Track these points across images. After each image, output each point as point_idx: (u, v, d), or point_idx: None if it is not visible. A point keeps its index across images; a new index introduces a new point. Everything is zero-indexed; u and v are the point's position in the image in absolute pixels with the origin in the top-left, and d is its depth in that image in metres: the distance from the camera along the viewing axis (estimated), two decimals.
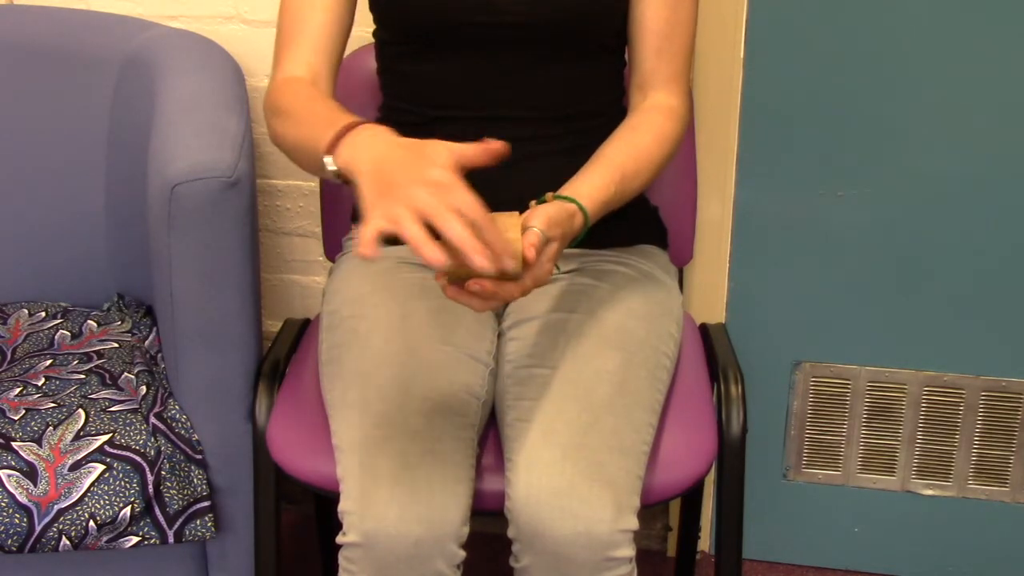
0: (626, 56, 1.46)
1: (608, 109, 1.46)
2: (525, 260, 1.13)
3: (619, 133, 1.38)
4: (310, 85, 1.37)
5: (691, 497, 1.80)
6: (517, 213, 1.17)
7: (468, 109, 1.40)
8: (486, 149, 1.11)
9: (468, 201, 1.05)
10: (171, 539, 1.45)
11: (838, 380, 1.88)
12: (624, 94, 1.47)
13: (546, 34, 1.37)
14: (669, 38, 1.40)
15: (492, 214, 1.10)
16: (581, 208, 1.25)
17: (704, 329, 1.62)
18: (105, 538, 1.42)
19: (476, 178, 1.39)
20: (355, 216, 1.55)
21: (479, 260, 1.02)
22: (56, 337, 1.66)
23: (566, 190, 1.28)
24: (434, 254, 1.00)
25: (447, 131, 1.41)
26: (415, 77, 1.42)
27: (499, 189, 1.39)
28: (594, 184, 1.30)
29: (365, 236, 1.02)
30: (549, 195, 1.26)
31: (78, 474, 1.41)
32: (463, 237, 1.02)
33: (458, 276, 1.12)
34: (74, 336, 1.66)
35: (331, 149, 1.17)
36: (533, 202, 1.25)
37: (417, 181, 1.06)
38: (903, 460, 1.91)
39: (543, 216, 1.19)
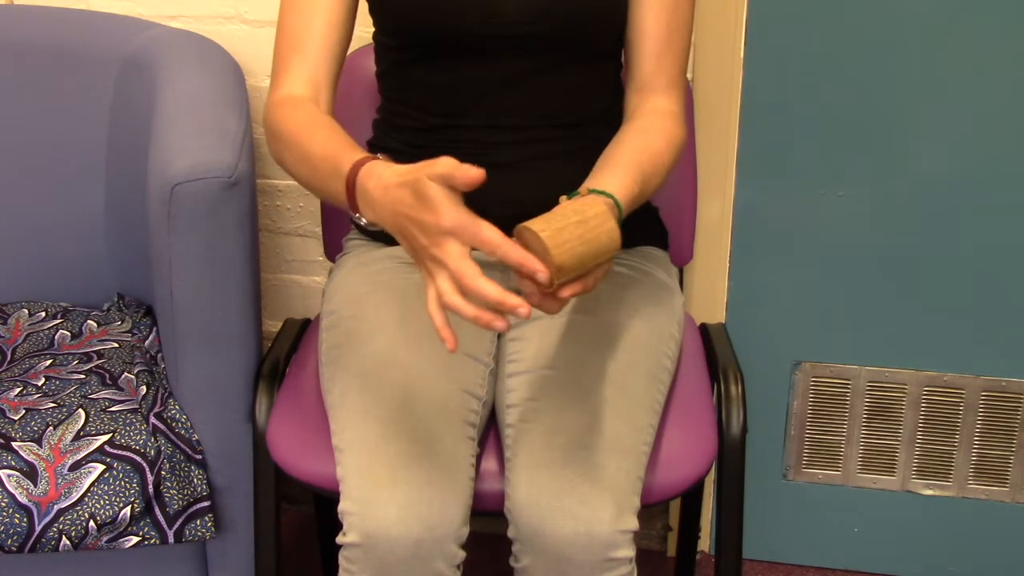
0: (622, 58, 1.46)
1: (607, 112, 1.45)
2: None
3: (628, 136, 1.36)
4: (309, 104, 1.36)
5: (691, 497, 1.80)
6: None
7: (468, 116, 1.40)
8: (466, 176, 1.08)
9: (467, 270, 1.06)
10: (171, 539, 1.45)
11: (838, 380, 1.88)
12: (622, 96, 1.47)
13: (548, 43, 1.37)
14: (669, 42, 1.40)
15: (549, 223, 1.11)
16: (616, 203, 1.22)
17: (704, 329, 1.62)
18: (105, 538, 1.42)
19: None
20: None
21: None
22: (56, 337, 1.66)
23: (599, 187, 1.24)
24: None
25: (446, 137, 1.41)
26: (415, 83, 1.42)
27: (500, 193, 1.39)
28: (620, 183, 1.25)
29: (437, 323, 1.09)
30: (584, 189, 1.23)
31: (78, 474, 1.41)
32: (474, 314, 1.06)
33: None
34: (74, 336, 1.66)
35: (353, 207, 1.19)
36: (564, 197, 1.22)
37: (429, 260, 1.09)
38: (903, 460, 1.91)
39: None
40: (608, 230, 1.11)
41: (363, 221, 1.19)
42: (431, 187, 1.07)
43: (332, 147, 1.24)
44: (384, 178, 1.13)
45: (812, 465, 1.94)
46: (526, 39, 1.36)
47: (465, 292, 1.06)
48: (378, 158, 1.19)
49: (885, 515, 1.95)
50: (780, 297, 1.86)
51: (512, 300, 1.04)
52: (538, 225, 1.09)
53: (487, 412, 1.35)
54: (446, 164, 1.07)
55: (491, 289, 1.05)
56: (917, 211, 1.77)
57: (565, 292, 1.11)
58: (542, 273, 1.07)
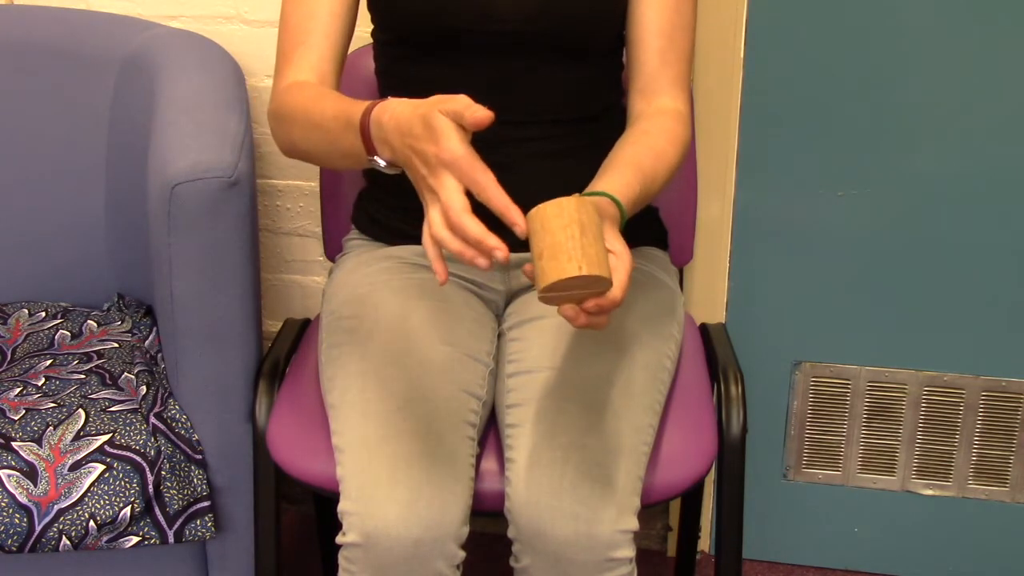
0: (624, 59, 1.45)
1: (607, 110, 1.46)
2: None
3: (633, 136, 1.36)
4: (316, 84, 1.36)
5: (691, 497, 1.80)
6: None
7: None
8: (474, 116, 1.07)
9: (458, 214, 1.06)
10: (171, 539, 1.45)
11: (838, 380, 1.88)
12: (623, 95, 1.46)
13: (546, 41, 1.37)
14: (672, 41, 1.39)
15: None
16: (618, 205, 1.22)
17: (704, 329, 1.62)
18: (105, 538, 1.42)
19: None
20: (355, 216, 1.56)
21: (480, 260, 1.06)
22: (56, 337, 1.66)
23: (597, 189, 1.25)
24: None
25: None
26: (414, 80, 1.42)
27: None
28: (623, 183, 1.25)
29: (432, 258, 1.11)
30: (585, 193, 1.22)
31: (78, 474, 1.41)
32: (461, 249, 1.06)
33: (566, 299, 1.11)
34: (74, 336, 1.66)
35: (370, 150, 1.18)
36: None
37: (427, 190, 1.10)
38: (903, 460, 1.91)
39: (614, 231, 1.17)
40: (581, 205, 1.08)
41: (382, 164, 1.18)
42: (439, 119, 1.07)
43: (342, 106, 1.24)
44: (397, 111, 1.13)
45: (812, 465, 1.94)
46: (524, 37, 1.36)
47: (449, 226, 1.06)
48: (389, 99, 1.19)
49: (885, 515, 1.95)
50: (780, 297, 1.86)
51: (492, 241, 1.04)
52: (568, 269, 1.06)
53: (487, 412, 1.35)
54: (460, 101, 1.07)
55: (473, 226, 1.05)
56: (917, 211, 1.77)
57: (589, 305, 1.10)
58: (519, 227, 1.07)
